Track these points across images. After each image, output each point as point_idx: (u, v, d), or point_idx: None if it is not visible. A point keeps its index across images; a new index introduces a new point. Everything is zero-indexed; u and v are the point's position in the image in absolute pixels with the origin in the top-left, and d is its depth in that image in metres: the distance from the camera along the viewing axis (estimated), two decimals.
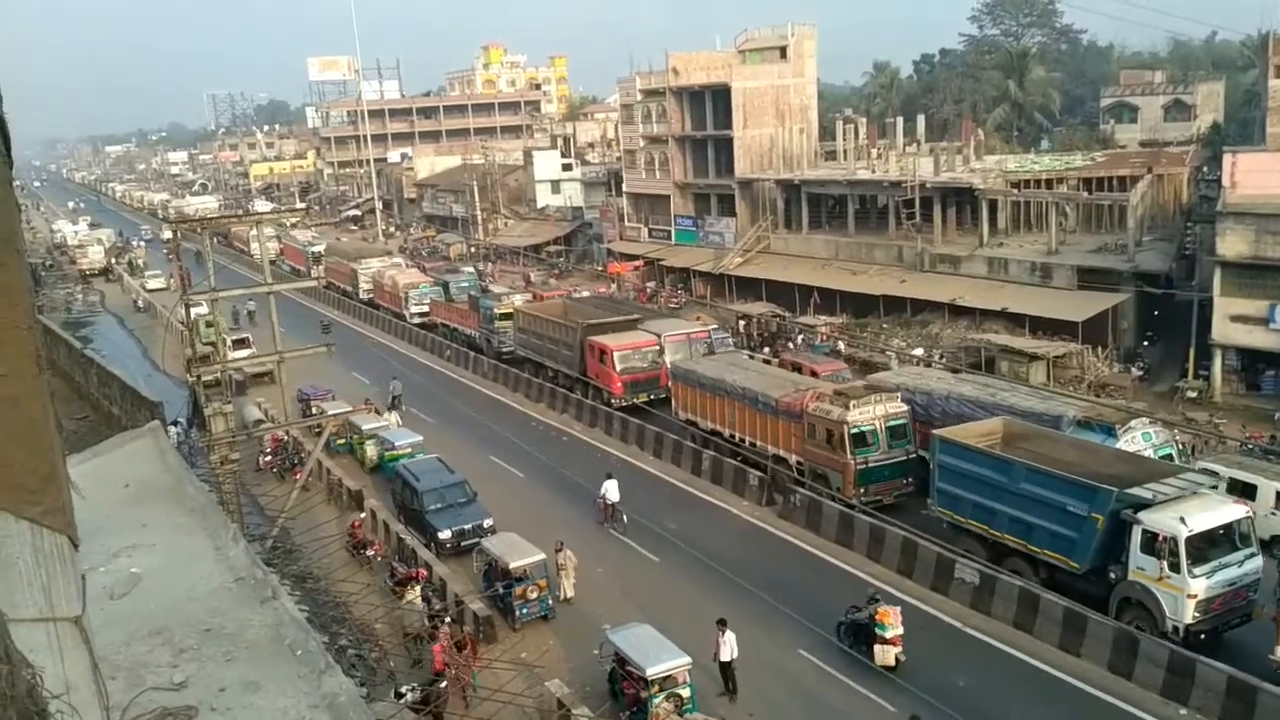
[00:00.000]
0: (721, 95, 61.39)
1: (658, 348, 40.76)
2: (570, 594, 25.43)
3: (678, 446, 35.03)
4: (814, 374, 36.89)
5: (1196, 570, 20.41)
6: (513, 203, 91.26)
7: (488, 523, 28.61)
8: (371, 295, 65.40)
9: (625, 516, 29.91)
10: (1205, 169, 61.35)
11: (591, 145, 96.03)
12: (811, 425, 29.61)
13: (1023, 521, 23.43)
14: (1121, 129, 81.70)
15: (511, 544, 25.22)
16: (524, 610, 24.08)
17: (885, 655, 20.96)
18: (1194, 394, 37.24)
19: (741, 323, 51.52)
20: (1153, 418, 28.80)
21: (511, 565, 24.02)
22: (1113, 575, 21.78)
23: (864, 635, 21.45)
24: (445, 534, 28.41)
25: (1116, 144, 75.00)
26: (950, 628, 23.00)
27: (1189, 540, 20.40)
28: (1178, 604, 20.49)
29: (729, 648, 20.60)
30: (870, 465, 28.51)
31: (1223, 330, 36.86)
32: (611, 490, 30.29)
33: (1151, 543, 20.83)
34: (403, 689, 20.03)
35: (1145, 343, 42.92)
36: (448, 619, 22.88)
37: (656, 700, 18.89)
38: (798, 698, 20.73)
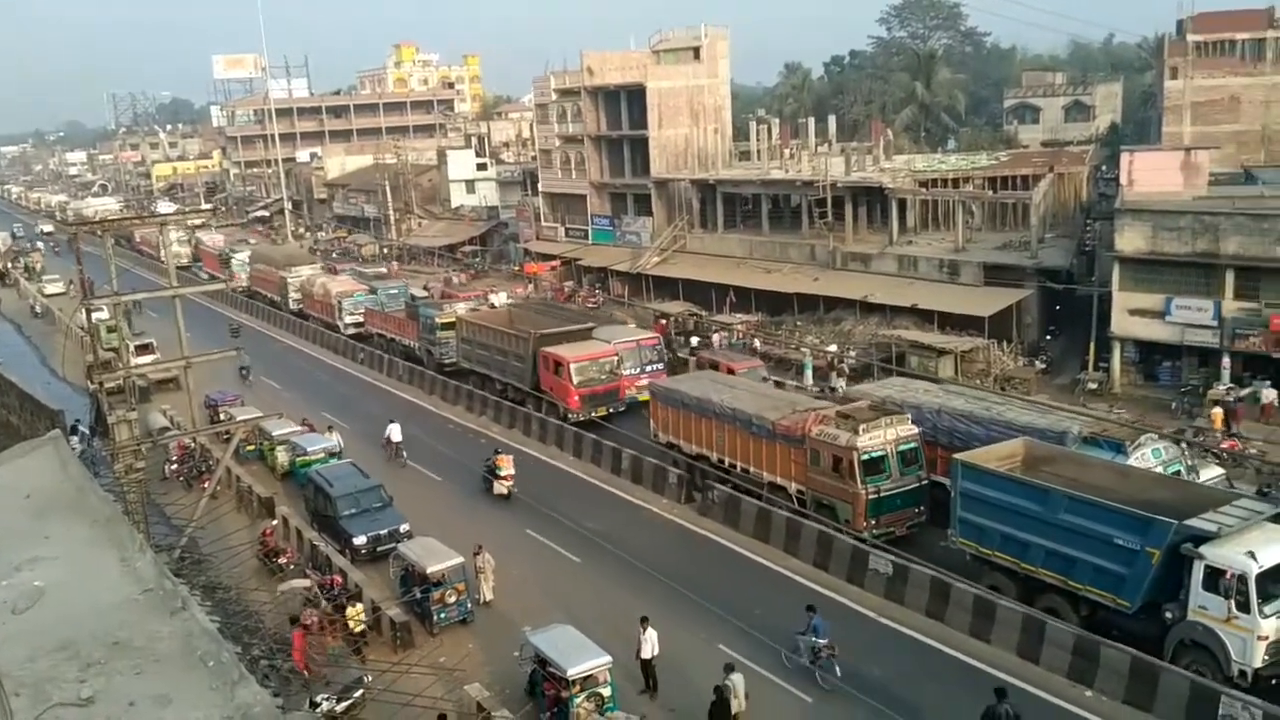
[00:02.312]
0: (636, 95, 61.60)
1: (616, 358, 38.74)
2: (489, 597, 25.29)
3: (597, 446, 35.02)
4: (731, 371, 37.28)
5: (1268, 609, 18.61)
6: (426, 203, 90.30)
7: (404, 527, 28.25)
8: (301, 305, 62.62)
9: (404, 453, 35.97)
10: (1104, 168, 63.66)
11: (506, 145, 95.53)
12: (815, 451, 27.08)
13: (1061, 555, 21.37)
14: (1024, 129, 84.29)
15: (429, 548, 24.97)
16: (442, 615, 23.88)
17: (500, 488, 31.97)
18: (1094, 385, 38.48)
19: (660, 322, 51.76)
20: (1160, 433, 27.09)
21: (429, 570, 23.78)
22: (1168, 615, 19.76)
23: (490, 475, 32.19)
24: (360, 539, 27.96)
25: (1019, 144, 77.28)
26: (866, 618, 23.43)
27: (1259, 577, 18.59)
28: (1246, 647, 18.61)
29: (650, 645, 20.69)
30: (882, 495, 26.04)
31: (1121, 323, 38.15)
32: (395, 432, 36.46)
33: (1215, 580, 18.93)
34: (318, 698, 19.72)
35: (1048, 336, 44.29)
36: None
37: (577, 700, 18.90)
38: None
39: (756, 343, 46.86)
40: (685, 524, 29.54)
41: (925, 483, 26.78)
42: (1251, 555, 18.69)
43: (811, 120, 70.47)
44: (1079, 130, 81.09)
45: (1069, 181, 55.57)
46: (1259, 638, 18.54)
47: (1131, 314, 37.81)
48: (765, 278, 52.22)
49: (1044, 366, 41.59)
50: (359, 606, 23.69)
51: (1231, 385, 35.14)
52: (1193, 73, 57.88)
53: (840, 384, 39.83)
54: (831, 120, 71.23)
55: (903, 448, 26.47)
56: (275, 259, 70.63)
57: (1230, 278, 35.34)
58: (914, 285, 46.36)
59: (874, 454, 26.05)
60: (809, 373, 41.42)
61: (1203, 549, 19.22)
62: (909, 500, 26.49)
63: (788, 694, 20.66)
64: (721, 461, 30.94)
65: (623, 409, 38.30)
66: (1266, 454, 30.60)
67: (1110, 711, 19.15)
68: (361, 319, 56.02)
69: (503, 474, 32.08)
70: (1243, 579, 18.59)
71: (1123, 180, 40.56)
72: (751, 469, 29.71)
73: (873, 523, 25.95)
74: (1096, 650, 19.97)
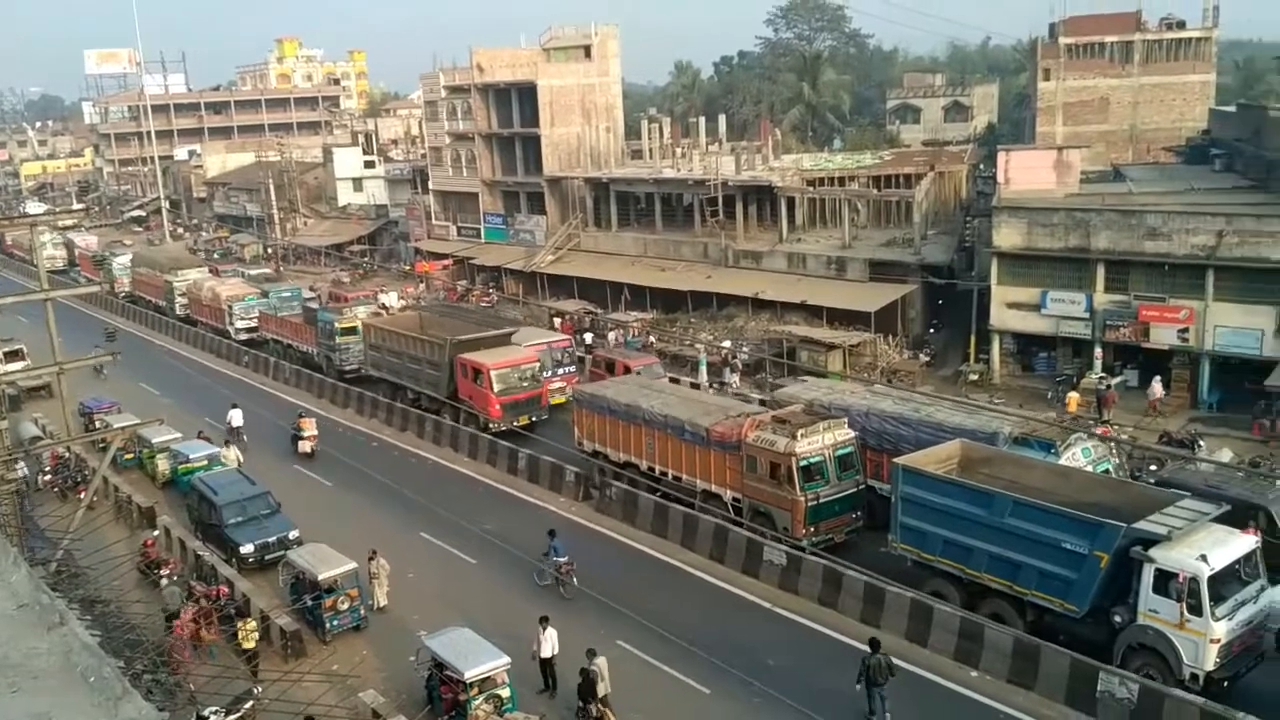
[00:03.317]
0: (528, 93, 61.28)
1: (538, 364, 37.27)
2: (384, 602, 24.86)
3: (493, 446, 34.72)
4: (627, 369, 37.42)
5: (1219, 612, 18.35)
6: (312, 201, 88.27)
7: (293, 534, 27.59)
8: (189, 310, 59.55)
9: (245, 436, 36.88)
10: (982, 166, 65.78)
11: (395, 142, 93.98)
12: (752, 458, 26.32)
13: (1007, 560, 20.85)
14: (906, 129, 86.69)
15: (320, 555, 24.45)
16: (334, 622, 23.39)
17: (305, 446, 35.95)
18: (975, 377, 39.80)
19: (556, 320, 51.63)
20: (1089, 432, 27.12)
21: (320, 576, 23.28)
22: (1117, 619, 19.37)
23: (296, 436, 36.26)
24: (247, 548, 27.20)
25: (902, 143, 79.41)
26: (760, 608, 23.81)
27: (1211, 580, 18.33)
28: (1199, 650, 18.31)
29: (550, 644, 20.66)
30: (821, 501, 25.39)
31: (1000, 317, 39.51)
32: (236, 417, 37.67)
33: (1166, 583, 18.58)
34: (205, 711, 19.14)
35: (931, 330, 45.63)
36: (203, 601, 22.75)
37: (475, 702, 18.76)
38: (616, 689, 20.96)
39: (652, 340, 47.14)
40: (583, 521, 29.53)
41: (863, 487, 26.36)
42: (1203, 558, 18.38)
43: (702, 120, 71.17)
44: (958, 130, 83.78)
45: (949, 180, 57.35)
46: (1211, 640, 18.27)
47: (1009, 307, 39.17)
48: (659, 275, 52.56)
49: (928, 359, 42.85)
50: (249, 622, 22.84)
51: (1103, 374, 36.72)
52: (1064, 74, 60.30)
53: (734, 379, 40.38)
54: (721, 120, 72.06)
55: (840, 452, 25.96)
56: (159, 262, 67.14)
57: (1101, 271, 36.90)
58: (803, 282, 47.23)
59: (812, 459, 25.42)
60: (704, 369, 41.85)
61: (1152, 552, 18.83)
62: (847, 505, 25.96)
63: (686, 687, 20.88)
64: (652, 469, 29.94)
65: (545, 417, 37.22)
66: (1138, 439, 32.07)
67: (995, 690, 19.84)
68: (255, 324, 53.48)
69: (306, 435, 36.24)
70: (1195, 582, 18.28)
71: (999, 178, 42.02)
72: (684, 477, 28.74)
73: (811, 530, 25.32)
74: (981, 632, 20.65)
